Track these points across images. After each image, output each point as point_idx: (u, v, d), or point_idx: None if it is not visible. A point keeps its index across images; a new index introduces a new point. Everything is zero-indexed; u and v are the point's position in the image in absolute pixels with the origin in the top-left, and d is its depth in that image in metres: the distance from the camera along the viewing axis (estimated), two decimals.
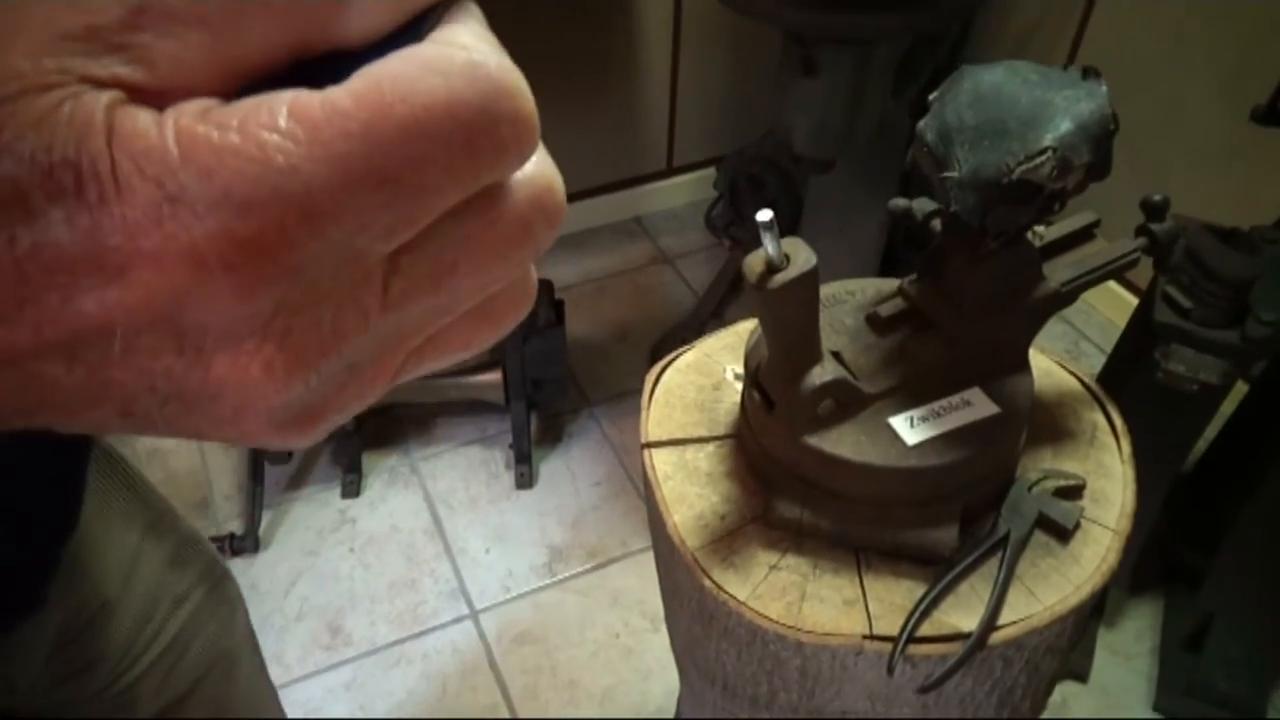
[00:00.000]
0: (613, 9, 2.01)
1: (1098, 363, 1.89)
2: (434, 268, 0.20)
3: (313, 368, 0.19)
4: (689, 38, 2.10)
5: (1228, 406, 1.40)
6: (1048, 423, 0.73)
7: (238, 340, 0.18)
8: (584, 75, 2.08)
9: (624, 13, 2.02)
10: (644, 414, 0.75)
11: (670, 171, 2.36)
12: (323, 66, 0.18)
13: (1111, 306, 2.03)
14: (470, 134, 0.18)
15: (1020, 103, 0.54)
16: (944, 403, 0.63)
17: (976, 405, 0.63)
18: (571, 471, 1.78)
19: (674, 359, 0.80)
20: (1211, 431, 1.51)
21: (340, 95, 0.17)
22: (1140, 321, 1.35)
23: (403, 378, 0.22)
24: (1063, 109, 0.53)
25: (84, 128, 0.16)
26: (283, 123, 0.17)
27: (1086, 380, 0.76)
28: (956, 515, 0.63)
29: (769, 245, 0.54)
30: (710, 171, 2.17)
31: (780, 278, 0.55)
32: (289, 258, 0.17)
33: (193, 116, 0.17)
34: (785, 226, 2.05)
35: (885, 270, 1.82)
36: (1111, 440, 0.72)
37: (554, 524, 1.70)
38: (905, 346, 0.65)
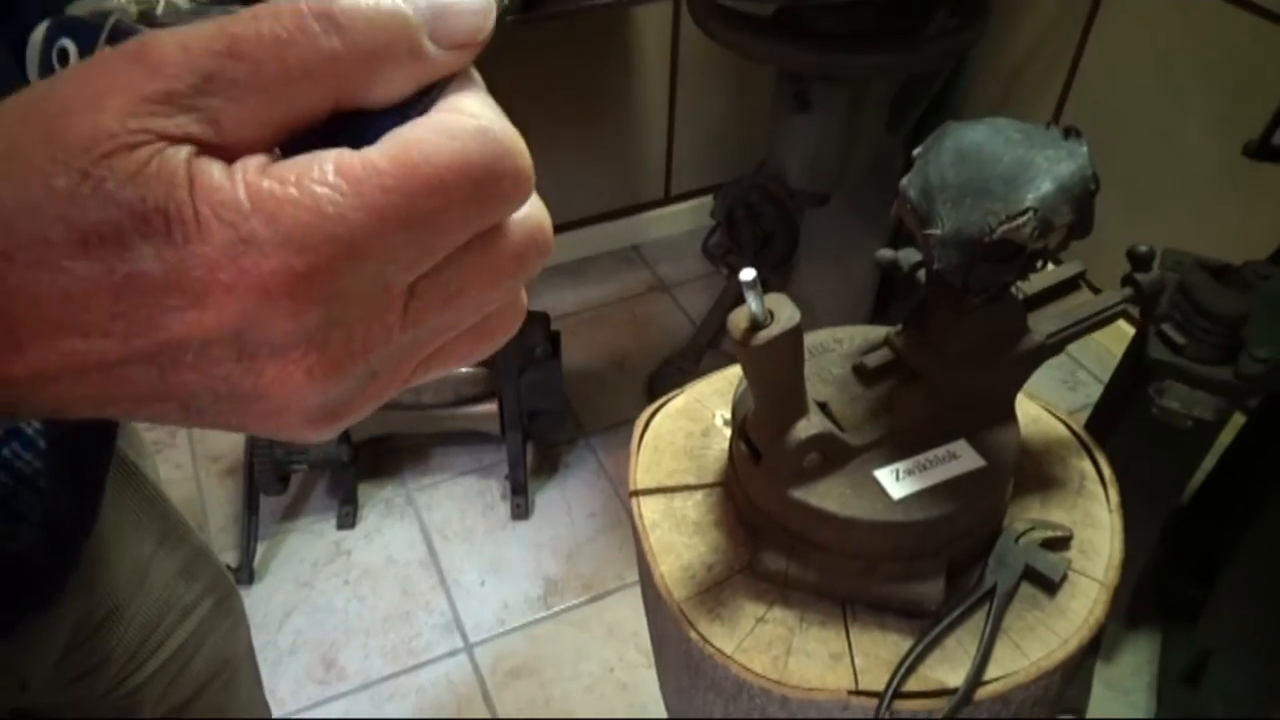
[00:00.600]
0: (611, 41, 2.02)
1: (1095, 392, 1.89)
2: (445, 293, 0.24)
3: (345, 374, 0.23)
4: (686, 68, 2.12)
5: (1226, 437, 1.40)
6: (1035, 471, 0.73)
7: (287, 351, 0.22)
8: (583, 105, 2.09)
9: (622, 45, 2.04)
10: (633, 460, 0.75)
11: (668, 200, 2.37)
12: (349, 120, 0.23)
13: (1109, 336, 2.03)
14: (480, 187, 0.23)
15: (1002, 161, 0.55)
16: (930, 455, 0.63)
17: (963, 458, 0.63)
18: (567, 503, 1.78)
19: (664, 404, 0.80)
20: (1209, 463, 1.51)
21: (377, 157, 0.22)
22: (1134, 356, 1.35)
23: (413, 383, 0.27)
24: (1044, 169, 0.53)
25: (170, 180, 0.20)
26: (331, 178, 0.21)
27: (1074, 427, 0.76)
28: (943, 569, 0.63)
29: (752, 302, 0.54)
30: (708, 199, 2.17)
31: (764, 335, 0.55)
32: (335, 286, 0.21)
33: (256, 172, 0.21)
34: (782, 255, 2.06)
35: (881, 302, 1.82)
36: (1099, 489, 0.72)
37: (549, 556, 1.69)
38: (892, 398, 0.65)
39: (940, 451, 0.63)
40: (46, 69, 0.29)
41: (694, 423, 0.78)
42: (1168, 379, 1.26)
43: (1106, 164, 2.14)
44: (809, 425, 0.61)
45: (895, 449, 0.64)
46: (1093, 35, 1.92)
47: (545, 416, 1.68)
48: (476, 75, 0.25)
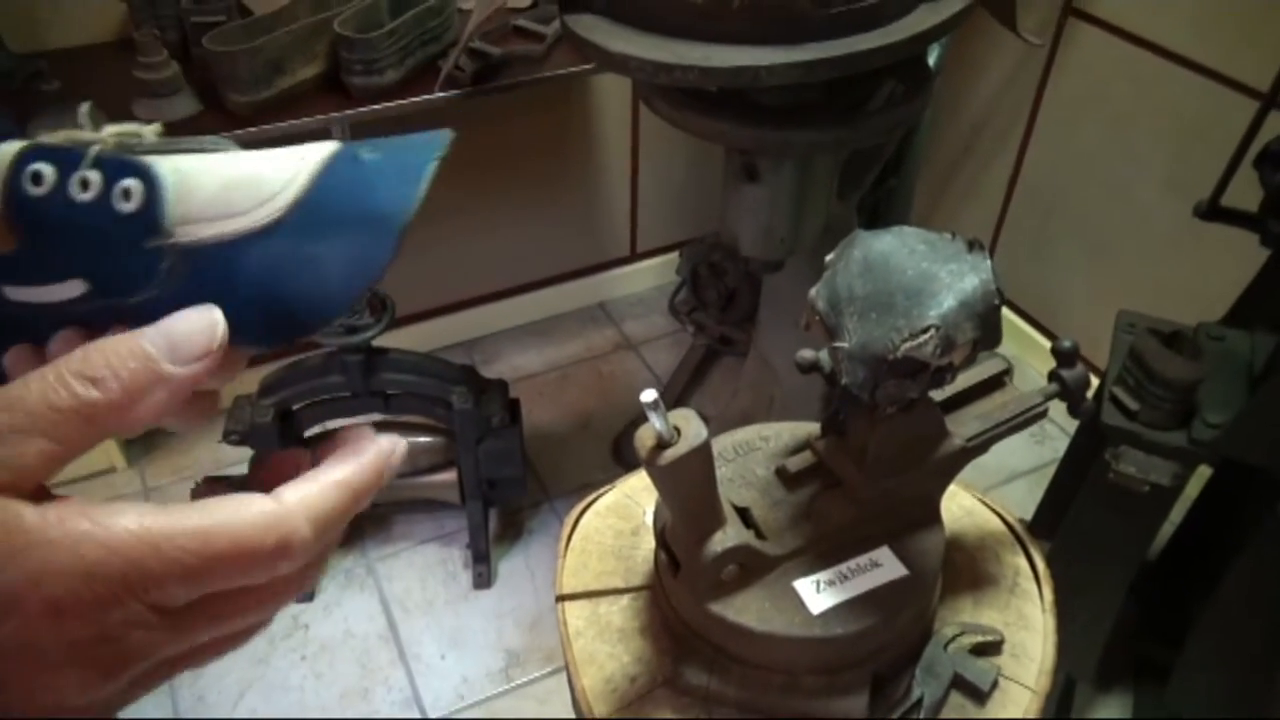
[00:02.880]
0: (574, 106, 2.03)
1: (1062, 445, 1.88)
2: (211, 613, 0.28)
3: (113, 679, 0.26)
4: (648, 130, 2.13)
5: (1193, 489, 1.39)
6: (968, 567, 0.71)
7: (61, 664, 0.25)
8: (548, 168, 2.09)
9: (584, 109, 2.05)
10: (559, 562, 0.73)
11: (634, 257, 2.37)
12: None
13: None
14: (261, 564, 0.27)
15: (906, 274, 0.54)
16: (852, 564, 0.62)
17: (886, 566, 0.62)
18: (531, 570, 1.75)
19: (594, 500, 0.79)
20: (1177, 515, 1.50)
21: (181, 519, 0.26)
22: (1092, 419, 1.34)
23: (174, 676, 0.30)
24: (947, 284, 0.53)
25: None
26: (136, 529, 0.25)
27: (1009, 519, 0.75)
28: (866, 682, 0.61)
29: (656, 421, 0.53)
30: (674, 256, 2.18)
31: (670, 454, 0.54)
32: (116, 613, 0.25)
33: (74, 513, 0.25)
34: (746, 313, 2.06)
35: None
36: (1033, 586, 0.70)
37: (511, 626, 1.66)
38: (814, 504, 0.64)
39: (862, 560, 0.62)
40: (15, 190, 0.31)
41: (624, 520, 0.76)
42: (1123, 444, 1.25)
43: (1065, 216, 2.17)
44: (725, 538, 0.59)
45: (817, 557, 0.62)
46: (1047, 93, 1.94)
47: (505, 484, 1.66)
48: (327, 469, 0.31)
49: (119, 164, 0.31)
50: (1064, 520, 1.38)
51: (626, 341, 2.27)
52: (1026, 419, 0.65)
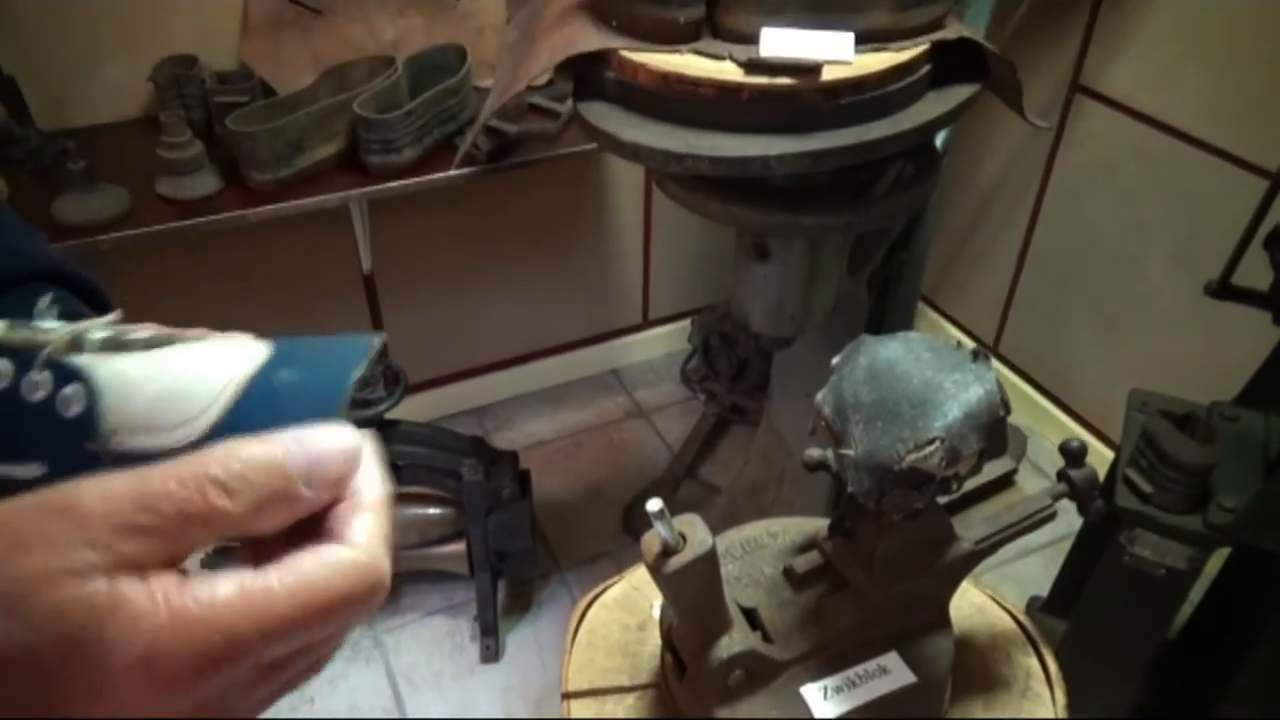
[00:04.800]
0: (588, 179, 2.07)
1: (1075, 518, 1.86)
2: (306, 659, 0.30)
3: None
4: (660, 200, 2.15)
5: (1212, 566, 1.37)
6: (979, 667, 0.70)
7: None
8: (563, 237, 2.12)
9: (599, 181, 2.08)
10: (565, 659, 0.73)
11: (646, 324, 2.38)
12: None
13: (1093, 457, 2.01)
14: (349, 611, 0.28)
15: (912, 383, 0.54)
16: (860, 670, 0.61)
17: (894, 673, 0.61)
18: (539, 643, 1.73)
19: (601, 592, 0.78)
20: (1196, 595, 1.47)
21: (276, 585, 0.27)
22: (1105, 501, 1.33)
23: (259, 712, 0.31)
24: (951, 394, 0.53)
25: (89, 605, 0.25)
26: (236, 601, 0.26)
27: (1020, 618, 0.74)
28: None
29: (661, 529, 0.53)
30: (686, 323, 2.19)
31: (676, 561, 0.54)
32: (221, 678, 0.26)
33: (176, 590, 0.26)
34: (757, 382, 2.06)
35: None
36: (1045, 690, 0.69)
37: (518, 701, 1.64)
38: (821, 606, 0.63)
39: (870, 666, 0.61)
40: None
41: (630, 615, 0.76)
42: (1138, 527, 1.23)
43: (1075, 289, 2.17)
44: (731, 643, 0.59)
45: (824, 661, 0.62)
46: (1056, 167, 1.96)
47: (515, 556, 1.65)
48: (365, 492, 0.31)
49: (65, 370, 0.33)
50: (1079, 602, 1.36)
51: (638, 409, 2.27)
52: (1035, 522, 0.65)
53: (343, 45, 1.57)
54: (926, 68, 1.08)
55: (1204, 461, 1.17)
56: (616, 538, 1.90)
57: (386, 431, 1.53)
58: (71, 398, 0.32)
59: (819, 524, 0.70)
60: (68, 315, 0.38)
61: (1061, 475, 0.68)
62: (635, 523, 1.93)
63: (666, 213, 2.19)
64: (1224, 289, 1.36)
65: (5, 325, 0.33)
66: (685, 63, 1.02)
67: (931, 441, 0.52)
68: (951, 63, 1.12)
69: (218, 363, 0.34)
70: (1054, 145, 1.94)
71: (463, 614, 1.78)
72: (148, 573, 0.26)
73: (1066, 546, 1.58)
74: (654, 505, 0.52)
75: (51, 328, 0.34)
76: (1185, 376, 1.67)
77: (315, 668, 0.32)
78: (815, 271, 1.31)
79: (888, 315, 1.70)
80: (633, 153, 1.01)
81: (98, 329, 0.34)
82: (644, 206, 2.18)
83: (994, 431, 0.53)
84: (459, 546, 1.64)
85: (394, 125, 1.39)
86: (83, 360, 0.33)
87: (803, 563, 0.65)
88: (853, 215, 1.17)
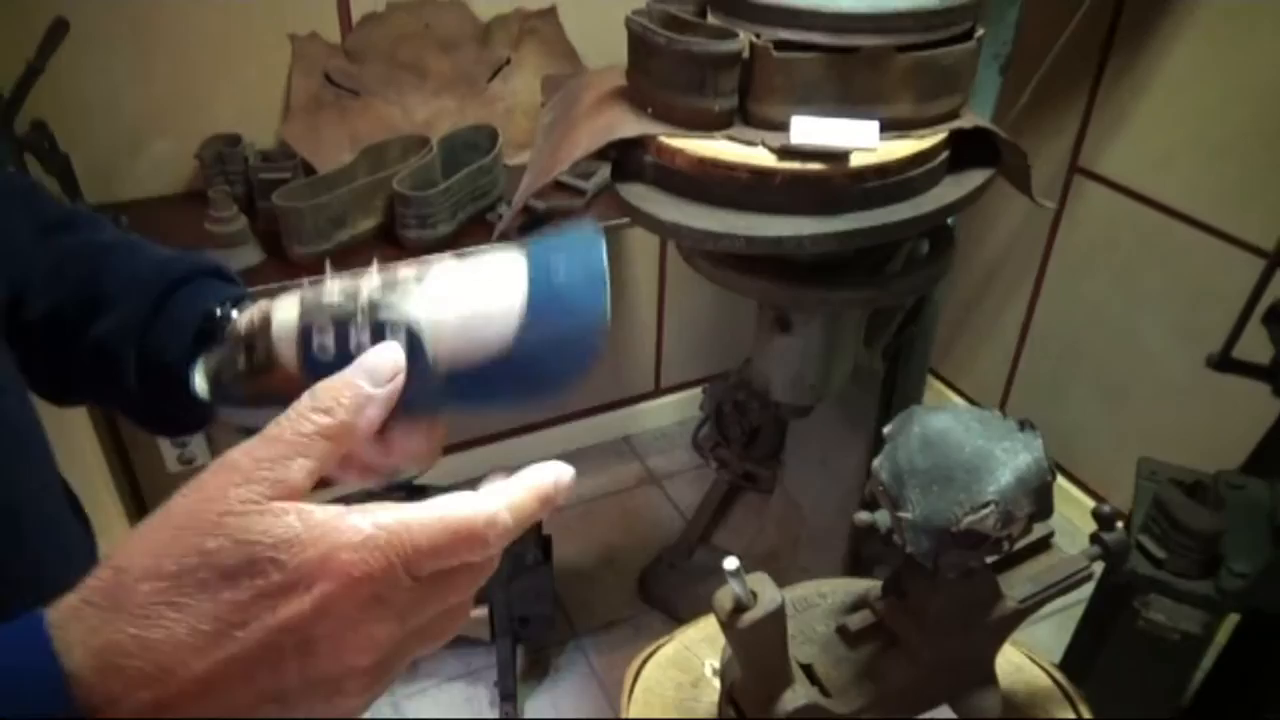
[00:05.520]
0: (606, 249, 2.13)
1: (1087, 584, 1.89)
2: (441, 587, 0.35)
3: (390, 641, 0.34)
4: (674, 272, 2.22)
5: (1221, 634, 1.40)
6: None
7: (358, 623, 0.33)
8: None
9: (616, 252, 2.15)
10: (623, 713, 0.76)
11: (658, 392, 2.43)
12: None
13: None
14: (478, 542, 0.35)
15: (964, 451, 0.59)
16: None
17: None
18: (557, 709, 1.74)
19: (654, 651, 0.82)
20: (1209, 661, 1.49)
21: (422, 516, 0.34)
22: (1115, 567, 1.37)
23: (406, 664, 0.37)
24: (1003, 461, 0.58)
25: (282, 519, 0.32)
26: (391, 523, 0.33)
27: (1057, 676, 0.78)
28: None
29: (736, 586, 0.57)
30: (698, 391, 2.24)
31: (749, 617, 0.58)
32: (389, 580, 0.33)
33: (358, 513, 0.33)
34: (770, 450, 2.10)
35: (868, 507, 1.84)
36: None
37: None
38: (875, 662, 0.67)
39: None
40: (308, 358, 0.42)
41: (684, 673, 0.79)
42: (1152, 593, 1.27)
43: (1078, 361, 2.22)
44: (795, 696, 0.62)
45: (880, 715, 0.65)
46: (1057, 244, 2.03)
47: (536, 621, 1.67)
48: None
49: (384, 326, 0.41)
50: (1095, 666, 1.39)
51: (651, 476, 2.31)
52: (1075, 581, 0.69)
53: (378, 125, 1.65)
54: (945, 154, 1.15)
55: (1215, 528, 1.22)
56: (632, 604, 1.92)
57: (415, 496, 1.56)
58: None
59: (867, 584, 0.74)
60: (234, 299, 0.52)
61: (1094, 538, 0.72)
62: (650, 589, 1.95)
63: (679, 284, 2.26)
64: (1225, 362, 1.41)
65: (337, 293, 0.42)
66: (720, 148, 1.09)
67: (986, 504, 0.56)
68: (966, 148, 1.19)
69: (496, 280, 0.42)
70: (1054, 223, 2.02)
71: (481, 680, 1.78)
72: (301, 494, 0.33)
73: (1077, 613, 1.60)
74: (730, 564, 0.56)
75: (342, 289, 0.42)
76: (1189, 446, 1.71)
77: (442, 633, 0.37)
78: (834, 343, 1.37)
79: (899, 385, 1.75)
80: (673, 231, 1.07)
81: (373, 278, 0.42)
82: (658, 279, 2.24)
83: (1043, 495, 0.58)
84: (481, 611, 1.65)
85: (432, 201, 1.46)
86: (395, 315, 0.41)
87: (856, 621, 0.69)
88: (874, 291, 1.23)
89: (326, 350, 0.41)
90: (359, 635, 0.33)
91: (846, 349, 1.43)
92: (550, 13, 1.76)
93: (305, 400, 0.36)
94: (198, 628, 0.31)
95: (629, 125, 1.13)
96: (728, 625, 0.58)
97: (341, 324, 0.41)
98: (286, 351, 0.43)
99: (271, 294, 0.46)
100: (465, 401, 0.43)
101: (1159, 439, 1.87)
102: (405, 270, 0.43)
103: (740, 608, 0.58)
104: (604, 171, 1.65)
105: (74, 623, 0.31)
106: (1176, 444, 1.80)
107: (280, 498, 0.33)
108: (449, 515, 0.34)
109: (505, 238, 1.49)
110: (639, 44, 1.13)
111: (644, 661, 0.81)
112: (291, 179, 1.50)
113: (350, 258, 1.47)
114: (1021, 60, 1.55)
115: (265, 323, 0.43)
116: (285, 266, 1.45)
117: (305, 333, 0.42)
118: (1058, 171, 1.96)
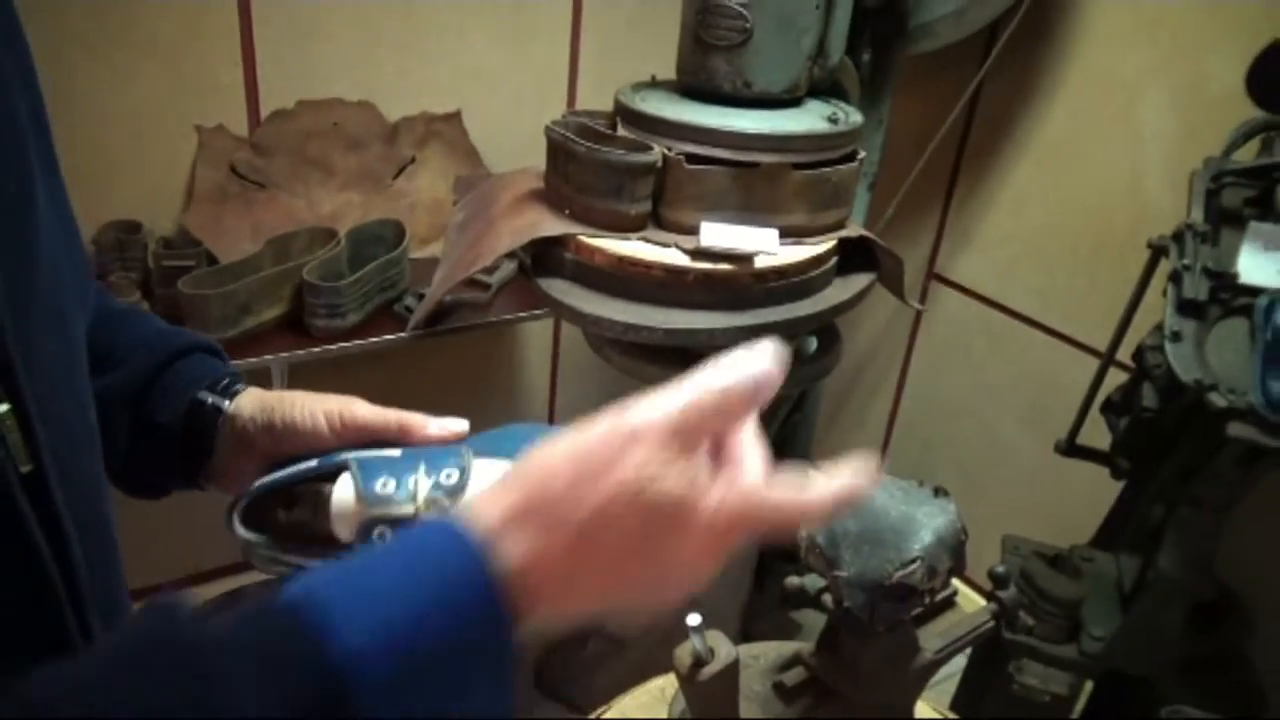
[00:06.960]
0: (503, 340, 2.19)
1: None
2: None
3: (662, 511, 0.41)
4: (566, 363, 2.29)
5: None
6: None
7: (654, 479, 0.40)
8: (476, 393, 2.21)
9: (512, 342, 2.20)
10: None
11: None
12: None
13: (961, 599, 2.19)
14: (621, 444, 0.41)
15: (890, 515, 0.67)
16: None
17: None
18: None
19: None
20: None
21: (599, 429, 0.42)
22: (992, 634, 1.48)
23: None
24: (924, 523, 0.66)
25: (685, 476, 0.41)
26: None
27: None
28: None
29: (696, 642, 0.63)
30: None
31: (708, 671, 0.63)
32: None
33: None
34: None
35: (758, 582, 1.92)
36: None
37: None
38: (811, 716, 0.73)
39: None
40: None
41: None
42: (1024, 657, 1.39)
43: (940, 448, 2.39)
44: None
45: None
46: (918, 341, 2.23)
47: None
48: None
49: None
50: None
51: None
52: (980, 634, 0.78)
53: (283, 217, 1.67)
54: (835, 259, 1.28)
55: (1077, 595, 1.35)
56: (528, 694, 1.91)
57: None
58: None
59: (794, 646, 0.81)
60: (227, 378, 0.59)
61: (990, 596, 0.82)
62: (546, 679, 1.95)
63: (570, 372, 2.33)
64: (1071, 448, 1.58)
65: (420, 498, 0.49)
66: (636, 248, 1.18)
67: (914, 560, 0.64)
68: (847, 255, 1.33)
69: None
70: (915, 324, 2.21)
71: None
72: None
73: (953, 680, 1.71)
74: (693, 620, 0.62)
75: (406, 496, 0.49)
76: (1043, 525, 1.88)
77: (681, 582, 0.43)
78: None
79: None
80: (594, 323, 1.15)
81: (420, 470, 0.50)
82: (550, 369, 2.30)
83: (958, 552, 0.67)
84: None
85: (343, 292, 1.48)
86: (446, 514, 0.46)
87: (791, 677, 0.75)
88: None
89: (385, 538, 0.48)
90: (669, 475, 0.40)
91: None
92: (455, 116, 1.84)
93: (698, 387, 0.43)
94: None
95: (550, 225, 1.21)
96: (687, 679, 0.63)
97: (401, 524, 0.48)
98: (342, 529, 0.49)
99: None
100: None
101: (1015, 519, 2.04)
102: (449, 469, 0.50)
103: (700, 662, 0.63)
104: (508, 267, 1.72)
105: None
106: (1031, 523, 1.96)
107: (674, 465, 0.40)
108: (613, 421, 0.42)
109: (418, 328, 1.53)
110: (558, 151, 1.22)
111: None
112: (195, 266, 1.49)
113: (255, 345, 1.47)
114: (885, 180, 1.74)
115: (321, 500, 0.50)
116: None
117: (365, 528, 0.48)
118: (917, 278, 2.16)
